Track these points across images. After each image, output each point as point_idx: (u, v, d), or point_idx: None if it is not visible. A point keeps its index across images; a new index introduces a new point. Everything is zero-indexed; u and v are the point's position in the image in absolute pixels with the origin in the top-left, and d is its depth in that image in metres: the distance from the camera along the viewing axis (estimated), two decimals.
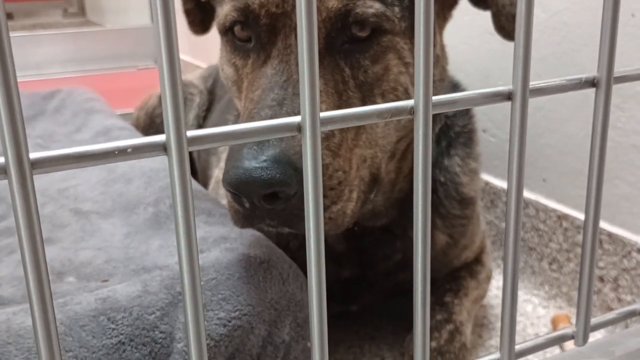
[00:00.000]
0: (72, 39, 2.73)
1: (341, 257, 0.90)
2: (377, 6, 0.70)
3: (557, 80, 0.43)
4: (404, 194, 0.87)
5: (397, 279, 0.93)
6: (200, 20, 0.96)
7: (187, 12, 0.95)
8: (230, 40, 0.77)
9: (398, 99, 0.74)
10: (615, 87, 0.45)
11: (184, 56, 2.65)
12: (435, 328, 0.87)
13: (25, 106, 1.61)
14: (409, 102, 0.37)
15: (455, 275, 0.97)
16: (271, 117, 0.65)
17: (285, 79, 0.68)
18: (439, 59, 0.81)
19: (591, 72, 0.44)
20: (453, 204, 0.92)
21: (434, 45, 0.77)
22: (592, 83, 0.44)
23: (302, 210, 0.65)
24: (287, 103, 0.66)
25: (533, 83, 0.41)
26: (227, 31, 0.77)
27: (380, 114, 0.36)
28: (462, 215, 0.93)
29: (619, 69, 0.45)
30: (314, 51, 0.33)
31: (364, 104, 0.72)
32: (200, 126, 1.49)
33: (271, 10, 0.69)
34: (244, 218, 0.68)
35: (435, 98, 0.37)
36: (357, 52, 0.71)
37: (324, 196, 0.66)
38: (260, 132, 0.34)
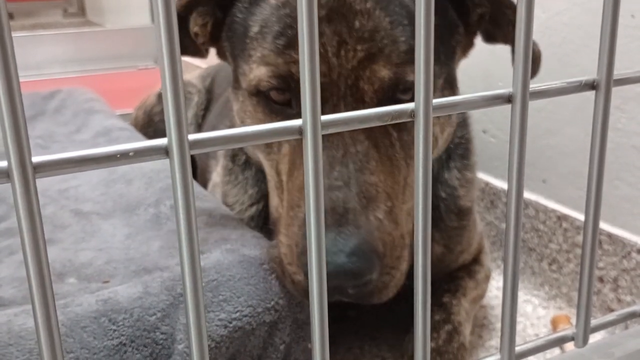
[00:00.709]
0: (72, 39, 2.73)
1: None
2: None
3: (557, 83, 0.43)
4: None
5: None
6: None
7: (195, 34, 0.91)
8: (263, 102, 0.74)
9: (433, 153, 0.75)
10: (616, 89, 0.45)
11: (184, 56, 2.65)
12: (433, 328, 0.87)
13: (25, 106, 1.60)
14: (410, 105, 0.37)
15: (453, 276, 0.97)
16: (343, 201, 0.65)
17: (343, 154, 0.67)
18: (455, 88, 0.82)
19: (591, 73, 0.44)
20: (451, 217, 0.92)
21: (455, 69, 0.79)
22: (591, 86, 0.44)
23: (383, 283, 0.67)
24: (353, 182, 0.66)
25: (533, 86, 0.41)
26: (259, 93, 0.74)
27: (380, 117, 0.37)
28: (458, 226, 0.94)
29: (619, 71, 0.45)
30: (314, 49, 0.33)
31: (407, 165, 0.72)
32: (198, 125, 1.49)
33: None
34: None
35: (435, 101, 0.37)
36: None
37: (393, 267, 0.68)
38: (262, 135, 0.34)
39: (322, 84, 0.66)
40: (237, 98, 0.80)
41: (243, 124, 0.79)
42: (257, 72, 0.72)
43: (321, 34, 0.68)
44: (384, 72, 0.68)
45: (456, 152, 0.93)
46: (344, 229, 0.63)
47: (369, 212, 0.66)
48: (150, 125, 1.57)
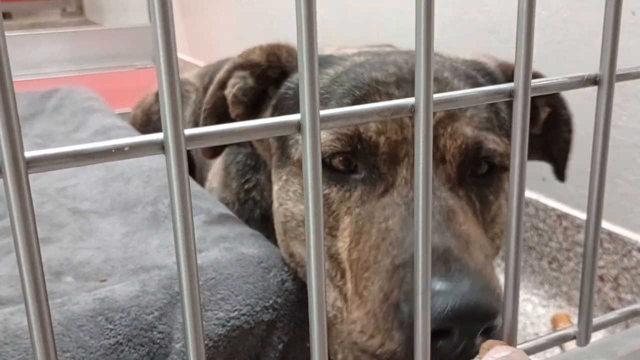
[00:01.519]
0: (70, 38, 2.73)
1: None
2: (507, 142, 0.68)
3: (559, 78, 0.43)
4: None
5: None
6: None
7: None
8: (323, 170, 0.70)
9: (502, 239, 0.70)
10: (617, 86, 0.45)
11: (182, 55, 2.65)
12: None
13: (23, 105, 1.61)
14: (410, 100, 0.36)
15: None
16: (440, 242, 0.57)
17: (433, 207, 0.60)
18: None
19: (592, 70, 0.44)
20: None
21: None
22: (594, 81, 0.44)
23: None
24: (444, 228, 0.58)
25: (535, 81, 0.41)
26: (332, 158, 0.67)
27: (380, 112, 0.36)
28: None
29: (620, 67, 0.45)
30: (314, 43, 0.33)
31: (491, 241, 0.67)
32: (197, 123, 1.48)
33: (392, 137, 0.63)
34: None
35: (436, 96, 0.37)
36: (483, 187, 0.67)
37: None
38: (259, 130, 0.33)
39: (395, 141, 0.63)
40: (279, 177, 0.73)
41: (282, 206, 0.71)
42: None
43: (389, 95, 0.66)
44: (467, 130, 0.65)
45: None
46: (453, 267, 0.54)
47: (471, 254, 0.58)
48: (149, 124, 1.56)
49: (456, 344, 0.52)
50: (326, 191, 0.66)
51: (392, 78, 0.68)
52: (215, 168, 1.09)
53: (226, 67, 0.80)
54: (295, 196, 0.70)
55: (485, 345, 0.46)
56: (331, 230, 0.65)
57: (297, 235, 0.70)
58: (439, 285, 0.52)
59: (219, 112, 0.82)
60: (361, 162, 0.64)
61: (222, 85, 0.81)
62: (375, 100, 0.65)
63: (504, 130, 0.71)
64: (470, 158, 0.65)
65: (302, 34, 0.32)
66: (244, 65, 0.78)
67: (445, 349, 0.52)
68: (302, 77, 0.33)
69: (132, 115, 1.62)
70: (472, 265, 0.55)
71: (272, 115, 0.77)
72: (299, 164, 0.69)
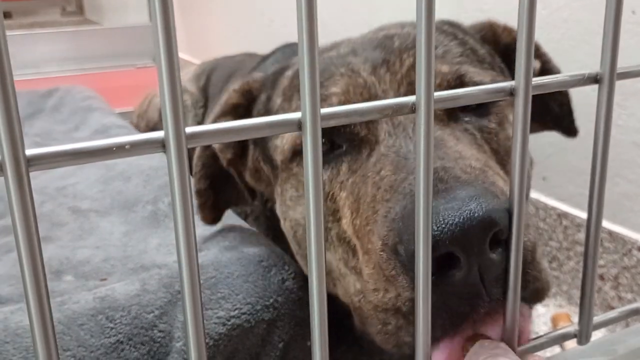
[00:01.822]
0: (70, 38, 2.73)
1: None
2: (490, 75, 0.67)
3: (560, 76, 0.43)
4: None
5: None
6: (212, 204, 0.82)
7: (199, 193, 0.81)
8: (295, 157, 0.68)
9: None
10: (617, 85, 0.45)
11: (181, 54, 2.65)
12: None
13: (23, 104, 1.61)
14: (411, 98, 0.36)
15: None
16: (444, 169, 0.53)
17: (410, 159, 0.57)
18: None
19: (591, 69, 0.44)
20: None
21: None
22: (594, 79, 0.44)
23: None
24: (450, 155, 0.56)
25: (536, 79, 0.41)
26: (296, 154, 0.67)
27: (381, 110, 0.36)
28: None
29: (621, 66, 0.45)
30: (314, 40, 0.33)
31: (504, 170, 0.62)
32: (199, 123, 1.48)
33: (359, 101, 0.64)
34: (446, 324, 0.49)
35: (437, 94, 0.37)
36: (479, 116, 0.65)
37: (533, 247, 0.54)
38: (261, 128, 0.33)
39: (363, 102, 0.63)
40: (276, 193, 0.73)
41: (287, 220, 0.70)
42: (295, 135, 0.66)
43: (347, 64, 0.66)
44: (444, 67, 0.65)
45: None
46: (457, 187, 0.49)
47: (461, 167, 0.53)
48: None
49: (468, 270, 0.46)
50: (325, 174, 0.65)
51: (348, 48, 0.69)
52: None
53: (210, 120, 0.79)
54: (292, 202, 0.69)
55: (470, 344, 0.45)
56: (334, 215, 0.63)
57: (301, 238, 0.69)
58: (446, 198, 0.47)
59: (211, 170, 0.81)
60: (338, 136, 0.63)
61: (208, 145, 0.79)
62: (332, 72, 0.66)
63: (486, 64, 0.70)
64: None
65: (303, 33, 0.32)
66: (226, 111, 0.78)
67: (460, 280, 0.46)
68: (302, 76, 0.33)
69: (135, 124, 1.61)
70: (462, 177, 0.51)
71: (255, 146, 0.77)
72: (284, 165, 0.69)
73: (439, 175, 0.51)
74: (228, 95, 0.79)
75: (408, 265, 0.49)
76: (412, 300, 0.50)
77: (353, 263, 0.60)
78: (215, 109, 0.79)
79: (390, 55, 0.66)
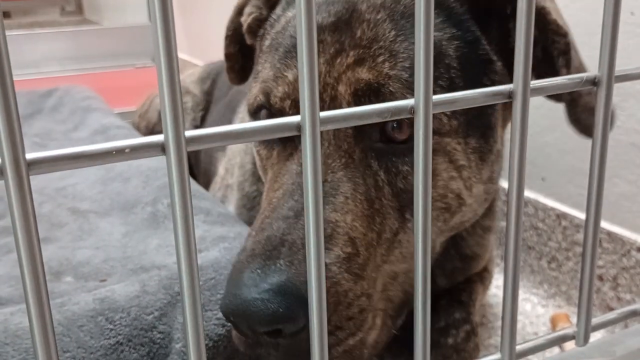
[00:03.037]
0: (69, 38, 2.73)
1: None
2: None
3: (559, 79, 0.43)
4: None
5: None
6: (240, 68, 0.86)
7: (228, 57, 0.85)
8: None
9: (449, 207, 0.66)
10: (615, 86, 0.45)
11: (181, 55, 2.65)
12: (453, 325, 0.87)
13: (22, 104, 1.61)
14: (409, 102, 0.36)
15: (467, 279, 0.97)
16: (284, 232, 0.56)
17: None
18: (499, 153, 0.71)
19: (590, 70, 0.44)
20: (453, 261, 0.88)
21: (495, 142, 0.68)
22: (592, 82, 0.44)
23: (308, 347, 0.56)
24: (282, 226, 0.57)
25: (534, 82, 0.41)
26: (253, 114, 0.70)
27: (380, 113, 0.36)
28: (465, 268, 0.90)
29: (619, 68, 0.45)
30: (313, 44, 0.33)
31: (402, 215, 0.63)
32: (196, 127, 1.47)
33: (298, 97, 0.63)
34: (247, 345, 0.58)
35: (435, 97, 0.37)
36: (394, 156, 0.62)
37: (339, 328, 0.57)
38: (260, 132, 0.33)
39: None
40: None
41: (259, 178, 0.73)
42: (254, 91, 0.68)
43: (321, 42, 0.64)
44: (364, 74, 0.61)
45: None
46: (272, 262, 0.54)
47: (293, 254, 0.56)
48: None
49: (253, 341, 0.55)
50: (257, 148, 0.70)
51: (329, 20, 0.65)
52: (229, 163, 1.07)
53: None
54: (253, 146, 0.73)
55: None
56: (265, 175, 0.69)
57: (262, 175, 0.72)
58: (240, 281, 0.53)
59: (238, 38, 0.84)
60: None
61: (240, 11, 0.82)
62: (296, 64, 0.64)
63: (447, 81, 0.63)
64: (365, 104, 0.61)
65: (302, 34, 0.32)
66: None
67: (243, 344, 0.57)
68: (301, 79, 0.33)
69: (137, 124, 1.61)
70: (296, 266, 0.54)
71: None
72: (249, 113, 0.71)
73: (283, 239, 0.56)
74: None
75: None
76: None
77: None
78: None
79: (348, 47, 0.63)
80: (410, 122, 0.59)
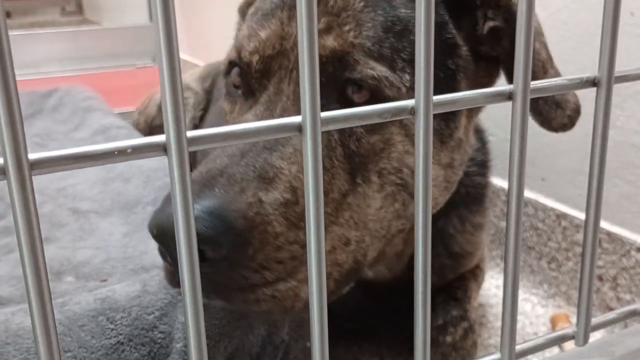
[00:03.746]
0: (70, 38, 2.73)
1: (348, 309, 0.85)
2: (381, 69, 0.62)
3: (558, 80, 0.43)
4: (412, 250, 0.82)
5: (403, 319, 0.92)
6: None
7: None
8: (227, 84, 0.72)
9: (402, 182, 0.65)
10: (615, 86, 0.45)
11: (182, 55, 2.65)
12: (451, 323, 0.87)
13: (23, 105, 1.60)
14: (410, 102, 0.37)
15: (461, 276, 0.97)
16: (226, 165, 0.57)
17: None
18: (462, 143, 0.71)
19: (590, 71, 0.44)
20: (442, 259, 0.88)
21: (457, 128, 0.69)
22: (592, 83, 0.44)
23: (232, 280, 0.55)
24: (251, 155, 0.58)
25: (534, 82, 0.41)
26: (226, 74, 0.72)
27: (380, 114, 0.36)
28: (453, 265, 0.90)
29: (619, 68, 0.45)
30: (314, 47, 0.33)
31: (352, 178, 0.63)
32: (196, 127, 1.48)
33: (266, 53, 0.64)
34: (170, 274, 0.58)
35: (436, 98, 0.37)
36: (365, 133, 0.63)
37: (266, 268, 0.56)
38: (261, 132, 0.34)
39: (269, 56, 0.64)
40: None
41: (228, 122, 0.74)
42: (229, 51, 0.71)
43: (291, 7, 0.66)
44: (329, 42, 0.62)
45: (465, 200, 0.86)
46: (207, 188, 0.54)
47: (250, 187, 0.56)
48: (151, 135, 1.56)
49: (169, 261, 0.55)
50: (224, 104, 0.72)
51: None
52: None
53: None
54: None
55: None
56: None
57: None
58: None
59: None
60: (242, 79, 0.67)
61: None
62: (272, 14, 0.67)
63: (405, 61, 0.64)
64: (332, 73, 0.62)
65: (303, 35, 0.33)
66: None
67: (168, 274, 0.58)
68: (302, 79, 0.33)
69: (136, 121, 1.62)
70: (231, 195, 0.54)
71: None
72: (224, 84, 0.73)
73: (223, 170, 0.57)
74: None
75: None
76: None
77: None
78: None
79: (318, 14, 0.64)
80: (370, 87, 0.62)
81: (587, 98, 0.80)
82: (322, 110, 0.60)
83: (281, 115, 0.61)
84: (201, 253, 0.51)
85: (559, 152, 1.11)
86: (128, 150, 0.31)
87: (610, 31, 0.42)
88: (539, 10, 1.08)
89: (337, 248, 0.63)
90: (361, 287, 0.80)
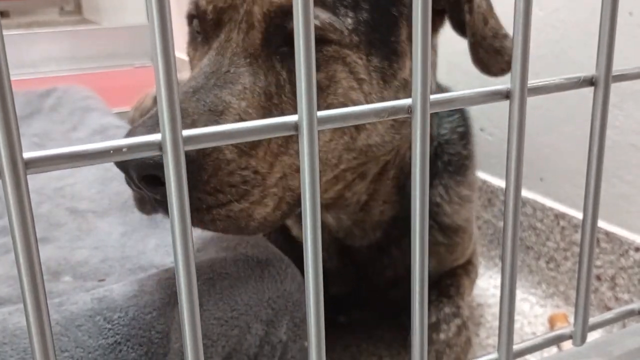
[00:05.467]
0: (68, 37, 2.73)
1: (329, 274, 0.87)
2: (324, 16, 0.65)
3: (556, 79, 0.43)
4: (387, 217, 0.85)
5: (390, 297, 0.92)
6: None
7: None
8: (191, 32, 0.75)
9: None
10: (613, 86, 0.45)
11: (180, 54, 2.65)
12: (444, 321, 0.88)
13: (21, 104, 1.61)
14: (407, 101, 0.37)
15: (452, 272, 0.97)
16: (181, 102, 0.61)
17: (213, 70, 0.64)
18: (408, 84, 0.74)
19: (589, 70, 0.44)
20: (433, 233, 0.88)
21: (401, 69, 0.72)
22: (590, 82, 0.44)
23: (189, 203, 0.60)
24: (202, 92, 0.62)
25: (531, 82, 0.41)
26: (190, 23, 0.75)
27: (377, 113, 0.36)
28: (448, 243, 0.91)
29: (617, 68, 0.45)
30: (311, 49, 0.33)
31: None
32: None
33: (219, 5, 0.68)
34: (137, 201, 0.64)
35: (433, 97, 0.37)
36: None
37: (220, 191, 0.61)
38: (257, 131, 0.33)
39: (221, 8, 0.67)
40: None
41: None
42: (190, 7, 0.73)
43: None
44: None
45: (447, 168, 0.88)
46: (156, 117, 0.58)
47: (201, 119, 0.61)
48: None
49: (140, 196, 0.61)
50: (188, 50, 0.75)
51: None
52: None
53: None
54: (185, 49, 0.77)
55: None
56: None
57: None
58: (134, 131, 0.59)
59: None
60: (201, 27, 0.70)
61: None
62: (228, 13, 0.68)
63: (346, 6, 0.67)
64: (278, 23, 0.65)
65: (300, 34, 0.33)
66: None
67: (136, 201, 0.64)
68: (299, 78, 0.33)
69: (131, 117, 1.62)
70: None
71: None
72: (188, 31, 0.75)
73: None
74: None
75: None
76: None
77: None
78: None
79: None
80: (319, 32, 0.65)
81: (586, 98, 0.80)
82: (273, 52, 0.65)
83: (231, 59, 0.65)
84: (158, 179, 0.57)
85: (557, 152, 1.11)
86: (124, 149, 0.31)
87: (608, 30, 0.42)
88: (537, 10, 1.08)
89: (287, 175, 0.66)
90: (344, 255, 0.88)
